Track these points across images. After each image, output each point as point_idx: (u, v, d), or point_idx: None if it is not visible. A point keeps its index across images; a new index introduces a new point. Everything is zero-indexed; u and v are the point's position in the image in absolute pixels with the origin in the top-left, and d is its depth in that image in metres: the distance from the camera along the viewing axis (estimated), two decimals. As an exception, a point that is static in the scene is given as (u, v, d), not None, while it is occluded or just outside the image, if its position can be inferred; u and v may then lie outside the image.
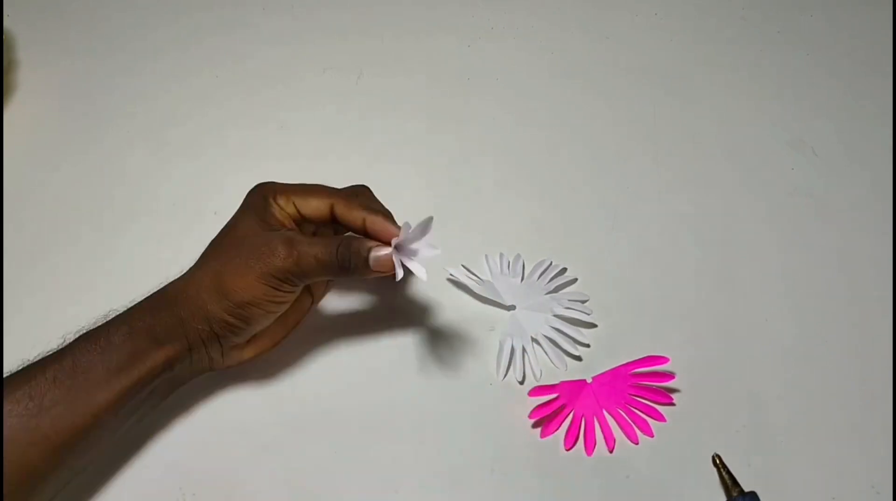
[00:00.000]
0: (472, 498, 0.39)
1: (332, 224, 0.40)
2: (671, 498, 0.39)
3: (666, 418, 0.41)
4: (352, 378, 0.43)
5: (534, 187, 0.48)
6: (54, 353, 0.35)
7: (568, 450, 0.40)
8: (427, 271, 0.37)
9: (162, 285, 0.38)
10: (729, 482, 0.38)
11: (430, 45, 0.59)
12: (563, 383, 0.41)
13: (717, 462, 0.39)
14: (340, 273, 0.37)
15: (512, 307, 0.45)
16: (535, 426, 0.41)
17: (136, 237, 0.48)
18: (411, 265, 0.37)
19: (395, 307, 0.45)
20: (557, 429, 0.41)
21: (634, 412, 0.41)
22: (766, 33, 0.58)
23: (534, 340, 0.43)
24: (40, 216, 0.50)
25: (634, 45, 0.58)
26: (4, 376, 0.35)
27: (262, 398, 0.42)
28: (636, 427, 0.41)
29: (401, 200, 0.46)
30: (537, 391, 0.41)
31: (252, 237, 0.36)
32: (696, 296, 0.45)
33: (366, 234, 0.38)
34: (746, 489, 0.38)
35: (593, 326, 0.44)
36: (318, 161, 0.51)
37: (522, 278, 0.46)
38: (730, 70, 0.56)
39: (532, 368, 0.43)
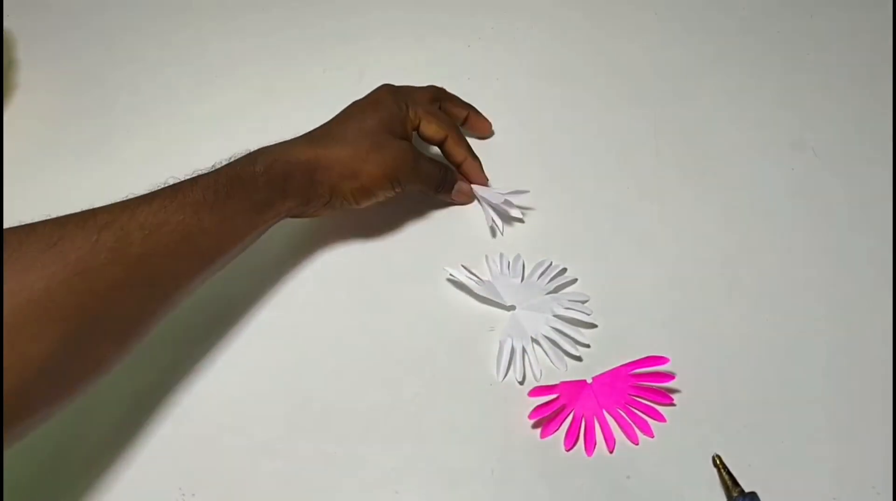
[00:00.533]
0: (471, 499, 0.39)
1: (421, 139, 0.48)
2: (671, 499, 0.39)
3: (666, 418, 0.41)
4: (352, 378, 0.43)
5: (533, 187, 0.48)
6: (214, 174, 0.39)
7: (568, 451, 0.40)
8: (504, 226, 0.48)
9: (292, 138, 0.43)
10: (729, 482, 0.38)
11: (429, 45, 0.59)
12: (563, 383, 0.41)
13: (717, 462, 0.39)
14: (433, 190, 0.47)
15: (512, 308, 0.45)
16: (535, 426, 0.41)
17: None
18: (490, 212, 0.47)
19: (394, 307, 0.45)
20: (557, 430, 0.41)
21: (634, 413, 0.41)
22: (766, 33, 0.58)
23: (534, 340, 0.43)
24: (40, 216, 0.50)
25: (634, 45, 0.58)
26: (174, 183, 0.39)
27: (262, 397, 0.42)
28: (636, 428, 0.41)
29: (400, 199, 0.46)
30: (537, 391, 0.41)
31: (384, 139, 0.43)
32: (696, 296, 0.45)
33: (458, 169, 0.48)
34: (747, 489, 0.38)
35: (593, 326, 0.44)
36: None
37: (522, 279, 0.46)
38: (730, 70, 0.56)
39: (532, 368, 0.43)
